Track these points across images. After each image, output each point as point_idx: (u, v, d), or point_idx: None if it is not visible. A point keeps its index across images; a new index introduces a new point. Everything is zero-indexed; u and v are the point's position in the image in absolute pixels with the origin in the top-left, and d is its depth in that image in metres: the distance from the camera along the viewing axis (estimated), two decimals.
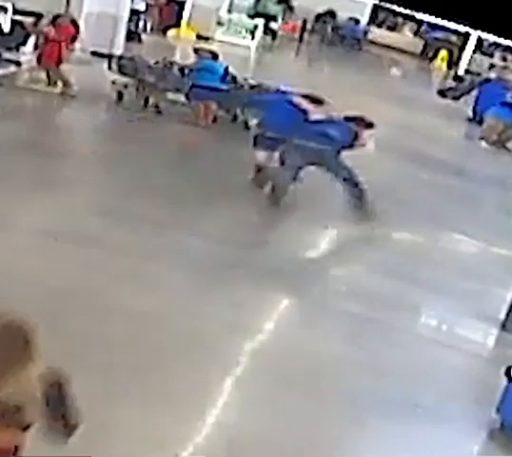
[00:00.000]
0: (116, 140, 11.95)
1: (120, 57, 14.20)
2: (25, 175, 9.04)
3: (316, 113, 9.91)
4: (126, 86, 13.60)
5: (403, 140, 15.19)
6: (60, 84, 13.45)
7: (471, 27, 29.11)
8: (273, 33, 28.39)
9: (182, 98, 13.71)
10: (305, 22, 29.40)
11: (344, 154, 9.78)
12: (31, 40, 15.37)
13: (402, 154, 13.94)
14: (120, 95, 13.57)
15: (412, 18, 34.76)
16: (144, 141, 11.85)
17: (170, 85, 13.57)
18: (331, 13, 32.21)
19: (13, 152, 9.90)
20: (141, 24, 22.00)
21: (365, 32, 33.39)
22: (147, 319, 6.30)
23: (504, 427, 5.77)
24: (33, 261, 6.98)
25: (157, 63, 13.92)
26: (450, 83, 25.75)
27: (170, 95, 13.71)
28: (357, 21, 33.03)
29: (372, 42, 33.90)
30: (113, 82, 13.66)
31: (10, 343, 3.16)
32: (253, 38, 25.88)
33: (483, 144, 17.03)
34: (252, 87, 13.80)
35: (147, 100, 13.50)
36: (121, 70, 13.62)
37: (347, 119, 9.63)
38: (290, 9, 31.24)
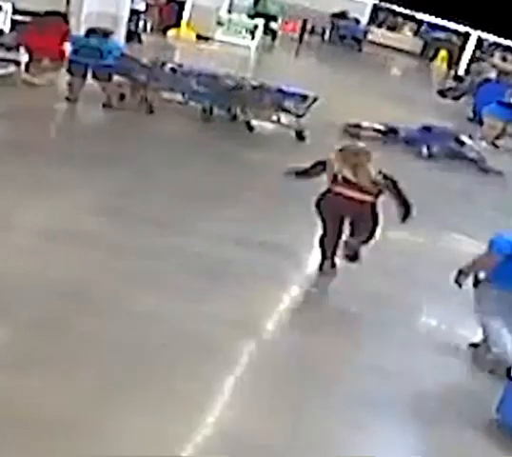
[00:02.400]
0: (114, 139, 11.94)
1: (120, 56, 14.16)
2: (24, 175, 9.04)
3: None
4: (120, 85, 13.62)
5: None
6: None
7: (471, 27, 29.21)
8: (273, 33, 28.39)
9: (178, 97, 13.77)
10: (305, 22, 29.38)
11: None
12: None
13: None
14: (121, 95, 13.60)
15: (412, 18, 34.78)
16: (142, 140, 11.86)
17: (163, 84, 13.60)
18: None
19: (12, 152, 9.90)
20: (141, 24, 22.00)
21: (365, 32, 33.37)
22: (146, 319, 6.30)
23: (504, 426, 5.77)
24: (33, 261, 6.99)
25: (152, 62, 13.96)
26: (450, 83, 25.74)
27: (165, 94, 13.78)
28: (357, 21, 33.03)
29: (372, 42, 33.90)
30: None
31: (363, 154, 7.62)
32: (253, 38, 25.88)
33: (483, 144, 17.02)
34: (254, 87, 13.82)
35: (142, 99, 13.51)
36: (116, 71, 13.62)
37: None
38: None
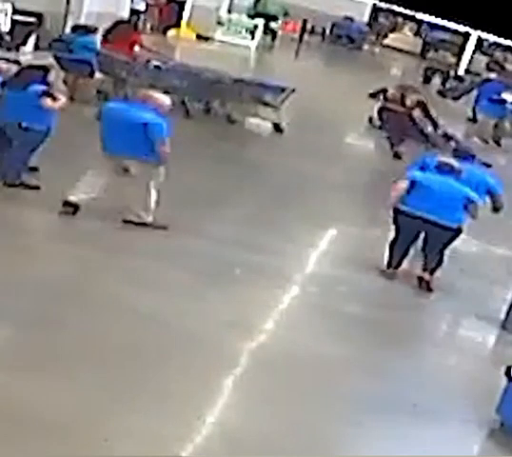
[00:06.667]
0: None
1: (97, 54, 14.06)
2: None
3: None
4: (103, 82, 13.60)
5: None
6: None
7: (471, 27, 29.17)
8: (273, 33, 28.35)
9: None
10: (304, 22, 29.35)
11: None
12: (31, 40, 15.40)
13: None
14: (105, 94, 13.56)
15: (412, 18, 34.75)
16: None
17: (145, 81, 13.56)
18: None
19: None
20: (141, 24, 21.97)
21: (365, 32, 33.32)
22: (146, 319, 6.30)
23: (504, 426, 5.77)
24: (34, 261, 6.99)
25: (134, 60, 13.95)
26: (450, 83, 25.70)
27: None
28: (366, 23, 33.07)
29: (372, 42, 33.87)
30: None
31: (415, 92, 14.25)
32: (253, 38, 25.86)
33: (479, 142, 17.00)
34: (235, 81, 13.84)
35: (126, 97, 13.48)
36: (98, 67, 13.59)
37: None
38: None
